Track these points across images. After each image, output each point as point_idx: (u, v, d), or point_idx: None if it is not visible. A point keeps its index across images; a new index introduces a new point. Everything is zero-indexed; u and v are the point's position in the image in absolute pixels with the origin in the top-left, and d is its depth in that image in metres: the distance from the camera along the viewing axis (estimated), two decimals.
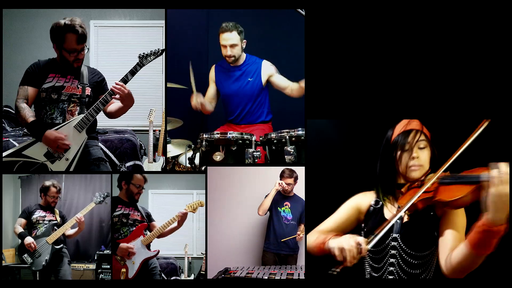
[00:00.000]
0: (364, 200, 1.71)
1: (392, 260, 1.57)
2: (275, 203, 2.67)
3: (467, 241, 1.37)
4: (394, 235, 1.58)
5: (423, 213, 1.53)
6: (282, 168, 2.63)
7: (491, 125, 1.46)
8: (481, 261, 1.38)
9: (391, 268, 1.57)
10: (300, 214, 2.66)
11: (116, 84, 2.12)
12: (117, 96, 2.13)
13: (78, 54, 2.20)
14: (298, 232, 2.62)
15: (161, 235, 2.42)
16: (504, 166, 1.30)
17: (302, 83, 2.62)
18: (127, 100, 2.17)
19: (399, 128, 1.63)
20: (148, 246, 2.46)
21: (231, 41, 2.69)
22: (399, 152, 1.60)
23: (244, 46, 2.76)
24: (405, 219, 1.59)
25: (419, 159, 1.58)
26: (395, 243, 1.57)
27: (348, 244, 1.46)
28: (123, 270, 2.36)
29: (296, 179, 2.63)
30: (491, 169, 1.31)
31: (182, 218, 2.39)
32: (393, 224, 1.56)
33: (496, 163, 1.32)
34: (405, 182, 1.62)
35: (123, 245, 2.37)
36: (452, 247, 1.46)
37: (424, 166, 1.58)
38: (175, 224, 2.40)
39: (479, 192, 1.36)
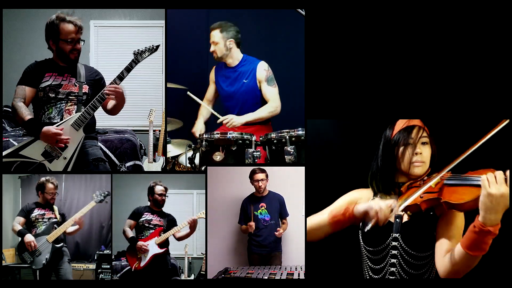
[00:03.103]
0: (361, 197, 1.69)
1: (393, 260, 1.56)
2: (252, 207, 2.65)
3: (461, 242, 1.38)
4: (395, 235, 1.57)
5: (423, 213, 1.52)
6: (283, 168, 2.63)
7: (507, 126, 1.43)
8: (476, 262, 1.38)
9: (393, 269, 1.56)
10: (279, 210, 2.63)
11: (109, 86, 2.14)
12: (112, 96, 2.15)
13: (75, 45, 2.20)
14: (278, 228, 2.60)
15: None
16: (498, 173, 1.32)
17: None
18: (121, 99, 2.20)
19: (399, 125, 1.62)
20: (159, 245, 2.63)
21: (212, 38, 2.74)
22: (401, 149, 1.59)
23: (230, 46, 2.74)
24: (405, 218, 1.57)
25: (422, 155, 1.57)
26: (396, 243, 1.56)
27: (379, 206, 1.49)
28: (139, 256, 2.64)
29: (267, 175, 2.61)
30: (488, 172, 1.33)
31: (192, 224, 2.59)
32: (393, 222, 1.57)
33: (495, 170, 1.34)
34: (405, 181, 1.60)
35: (140, 243, 2.62)
36: (448, 248, 1.45)
37: (426, 163, 1.58)
38: (187, 230, 2.63)
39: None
